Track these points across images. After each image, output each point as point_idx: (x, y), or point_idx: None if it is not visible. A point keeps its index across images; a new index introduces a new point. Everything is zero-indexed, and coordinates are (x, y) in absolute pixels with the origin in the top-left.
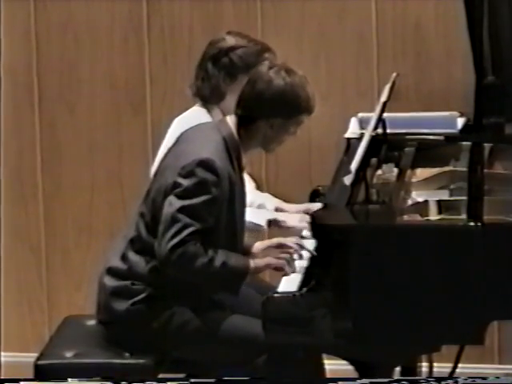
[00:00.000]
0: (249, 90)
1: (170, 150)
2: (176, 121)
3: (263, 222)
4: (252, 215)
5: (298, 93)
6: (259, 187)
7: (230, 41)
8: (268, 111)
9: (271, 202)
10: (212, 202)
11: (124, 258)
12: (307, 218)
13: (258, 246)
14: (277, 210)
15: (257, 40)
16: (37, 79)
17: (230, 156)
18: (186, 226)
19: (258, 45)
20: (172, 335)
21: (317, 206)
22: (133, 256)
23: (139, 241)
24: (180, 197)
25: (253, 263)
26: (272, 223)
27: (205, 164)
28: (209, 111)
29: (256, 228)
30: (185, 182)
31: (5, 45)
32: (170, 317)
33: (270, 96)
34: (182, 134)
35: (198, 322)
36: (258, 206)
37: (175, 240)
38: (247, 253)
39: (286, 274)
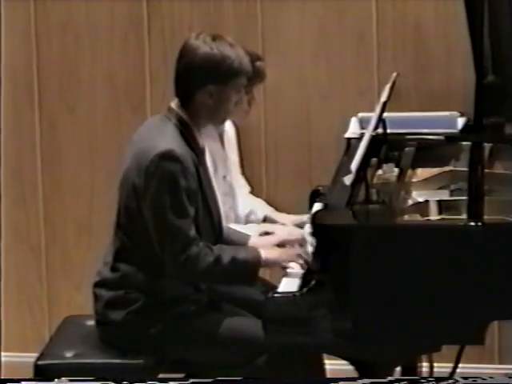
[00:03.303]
0: (179, 64)
1: (128, 155)
2: None
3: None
4: (243, 228)
5: (228, 55)
6: (258, 192)
7: None
8: (200, 79)
9: (262, 209)
10: (187, 191)
11: (114, 268)
12: (298, 231)
13: (255, 241)
14: (266, 219)
15: (247, 50)
16: (37, 79)
17: (187, 140)
18: (179, 230)
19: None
20: (171, 339)
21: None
22: (122, 266)
23: (125, 250)
24: (156, 199)
25: (263, 254)
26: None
27: (166, 156)
28: None
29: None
30: (154, 183)
31: (5, 45)
32: (167, 321)
33: (198, 63)
34: (134, 136)
35: (197, 324)
36: (248, 214)
37: (176, 247)
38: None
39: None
